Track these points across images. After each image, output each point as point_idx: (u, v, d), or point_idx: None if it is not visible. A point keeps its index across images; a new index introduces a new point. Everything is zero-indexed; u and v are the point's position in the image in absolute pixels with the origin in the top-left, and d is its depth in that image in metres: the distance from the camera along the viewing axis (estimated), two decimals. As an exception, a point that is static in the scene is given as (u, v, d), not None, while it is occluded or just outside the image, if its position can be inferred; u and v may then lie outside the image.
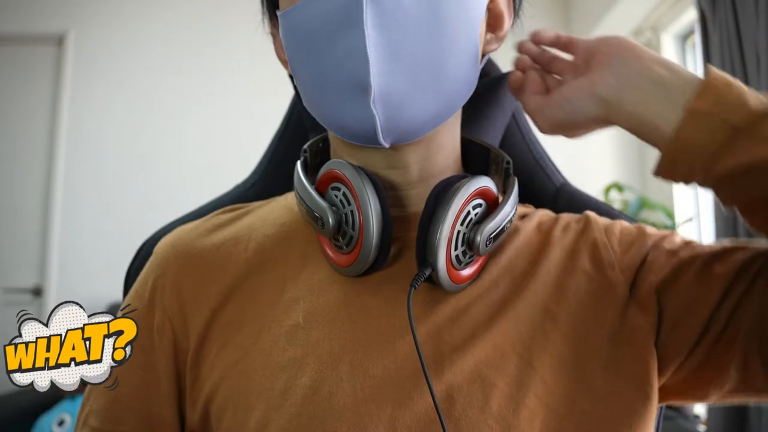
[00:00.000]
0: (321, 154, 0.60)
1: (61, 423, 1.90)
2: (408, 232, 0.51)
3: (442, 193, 0.48)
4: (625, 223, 0.55)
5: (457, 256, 0.47)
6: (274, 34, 0.58)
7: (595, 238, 0.53)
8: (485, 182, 0.49)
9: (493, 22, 0.54)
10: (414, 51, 0.45)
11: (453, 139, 0.56)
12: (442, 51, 0.46)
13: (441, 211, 0.46)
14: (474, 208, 0.49)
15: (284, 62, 0.57)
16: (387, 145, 0.47)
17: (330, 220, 0.47)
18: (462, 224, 0.47)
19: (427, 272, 0.46)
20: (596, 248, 0.52)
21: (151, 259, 0.56)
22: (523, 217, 0.57)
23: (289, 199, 0.58)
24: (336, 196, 0.49)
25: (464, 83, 0.50)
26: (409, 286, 0.46)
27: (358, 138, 0.49)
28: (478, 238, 0.46)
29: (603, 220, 0.55)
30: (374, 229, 0.47)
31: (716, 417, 1.71)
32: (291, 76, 0.69)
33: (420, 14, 0.44)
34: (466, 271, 0.49)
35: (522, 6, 0.58)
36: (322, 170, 0.52)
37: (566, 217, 0.56)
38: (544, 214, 0.57)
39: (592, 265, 0.51)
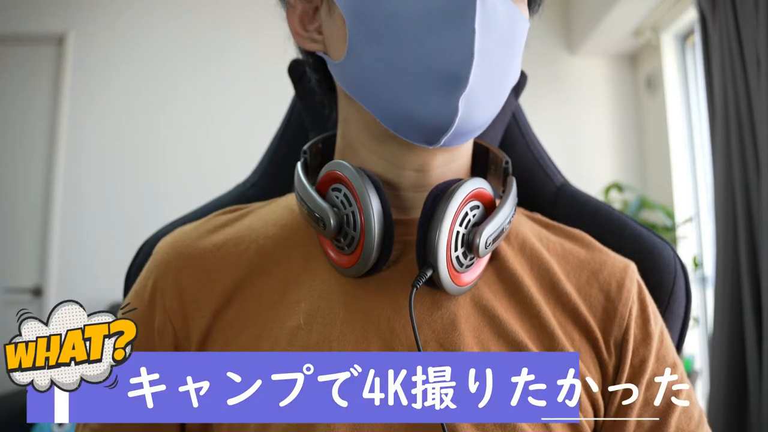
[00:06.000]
0: (321, 155, 0.60)
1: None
2: (410, 235, 0.51)
3: (440, 195, 0.48)
4: (666, 335, 0.55)
5: (457, 258, 0.47)
6: (293, 4, 0.54)
7: (623, 299, 0.53)
8: (480, 184, 0.50)
9: None
10: (494, 58, 0.46)
11: (470, 146, 0.57)
12: (508, 64, 0.48)
13: (439, 212, 0.46)
14: (471, 209, 0.49)
15: (300, 37, 0.54)
16: (440, 145, 0.47)
17: (331, 221, 0.47)
18: (460, 225, 0.48)
19: (429, 273, 0.46)
20: (610, 308, 0.52)
21: (151, 260, 0.55)
22: (545, 225, 0.58)
23: (289, 200, 0.58)
24: (337, 197, 0.49)
25: (506, 96, 0.51)
26: (411, 286, 0.46)
27: (420, 132, 0.47)
28: (478, 240, 0.47)
29: (647, 301, 0.54)
30: (376, 230, 0.47)
31: (716, 417, 1.71)
32: (291, 72, 0.69)
33: (504, 28, 0.46)
34: (468, 275, 0.49)
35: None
36: (323, 171, 0.52)
37: (610, 260, 0.55)
38: (567, 231, 0.58)
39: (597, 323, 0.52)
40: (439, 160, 0.53)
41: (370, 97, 0.49)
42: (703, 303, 2.38)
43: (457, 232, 0.47)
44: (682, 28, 2.51)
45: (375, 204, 0.47)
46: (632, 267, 0.55)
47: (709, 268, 2.27)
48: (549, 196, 0.68)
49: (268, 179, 0.72)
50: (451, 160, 0.54)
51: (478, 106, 0.46)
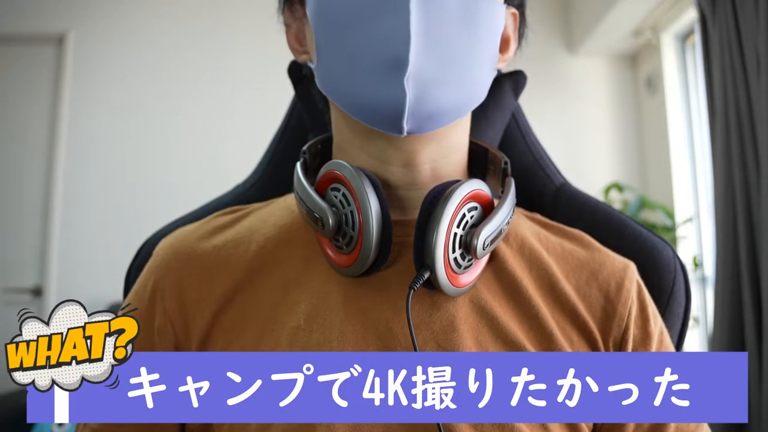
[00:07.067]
0: (320, 155, 0.60)
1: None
2: (408, 236, 0.51)
3: (438, 196, 0.48)
4: (666, 335, 0.55)
5: (455, 259, 0.48)
6: (289, 24, 0.58)
7: (624, 300, 0.53)
8: (478, 185, 0.50)
9: (502, 45, 0.55)
10: (447, 40, 0.46)
11: (463, 144, 0.57)
12: (469, 46, 0.48)
13: (436, 214, 0.47)
14: (469, 210, 0.49)
15: (296, 51, 0.58)
16: (406, 131, 0.47)
17: (330, 221, 0.47)
18: (458, 226, 0.48)
19: (426, 275, 0.46)
20: (610, 310, 0.52)
21: (151, 260, 0.56)
22: (545, 226, 0.58)
23: (288, 201, 0.58)
24: (336, 197, 0.50)
25: (482, 83, 0.51)
26: (408, 288, 0.46)
27: (381, 119, 0.48)
28: (475, 241, 0.47)
29: (646, 301, 0.54)
30: (374, 229, 0.47)
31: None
32: (291, 72, 0.69)
33: (455, 9, 0.47)
34: (467, 277, 0.49)
35: (525, 35, 0.61)
36: (322, 171, 0.52)
37: (609, 260, 0.55)
38: (567, 232, 0.58)
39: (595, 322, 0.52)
40: (424, 155, 0.53)
41: (338, 93, 0.51)
42: (703, 303, 2.38)
43: (455, 234, 0.47)
44: (682, 28, 2.51)
45: (373, 203, 0.47)
46: (632, 267, 0.55)
47: (709, 268, 2.27)
48: (549, 196, 0.68)
49: (268, 179, 0.72)
50: (440, 155, 0.54)
51: (434, 88, 0.47)
